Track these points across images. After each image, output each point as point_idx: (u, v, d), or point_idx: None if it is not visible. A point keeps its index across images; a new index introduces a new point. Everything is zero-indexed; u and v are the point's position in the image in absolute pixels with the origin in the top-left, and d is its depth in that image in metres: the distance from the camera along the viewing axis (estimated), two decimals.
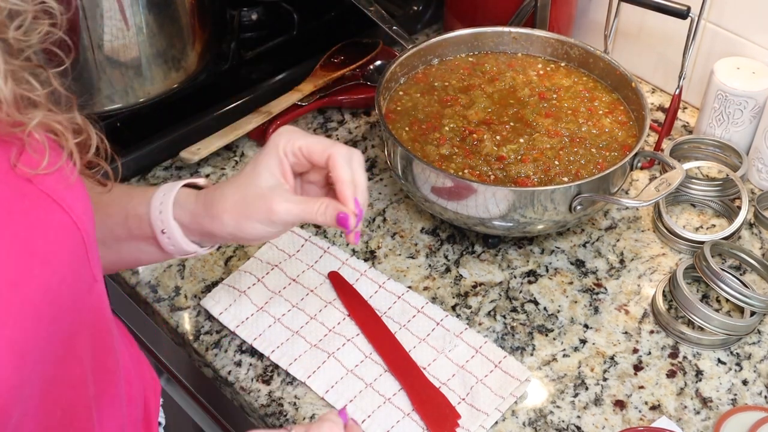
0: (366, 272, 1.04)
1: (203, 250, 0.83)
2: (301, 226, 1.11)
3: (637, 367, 0.97)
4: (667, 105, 1.30)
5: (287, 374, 0.95)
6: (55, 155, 0.64)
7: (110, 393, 0.74)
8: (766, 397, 0.95)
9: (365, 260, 1.07)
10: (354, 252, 1.08)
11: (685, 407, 0.93)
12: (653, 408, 0.93)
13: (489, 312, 1.02)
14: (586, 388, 0.95)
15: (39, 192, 0.63)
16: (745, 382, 0.96)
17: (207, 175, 1.18)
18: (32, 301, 0.59)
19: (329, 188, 0.81)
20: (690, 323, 1.00)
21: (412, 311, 1.00)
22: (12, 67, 0.59)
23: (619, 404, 0.94)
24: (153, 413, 0.89)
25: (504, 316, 1.02)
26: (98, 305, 0.71)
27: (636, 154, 1.04)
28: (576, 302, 1.03)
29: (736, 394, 0.95)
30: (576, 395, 0.94)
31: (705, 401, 0.94)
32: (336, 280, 1.03)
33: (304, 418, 0.91)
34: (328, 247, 1.07)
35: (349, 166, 0.78)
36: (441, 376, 0.94)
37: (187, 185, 0.83)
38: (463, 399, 0.92)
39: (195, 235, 0.81)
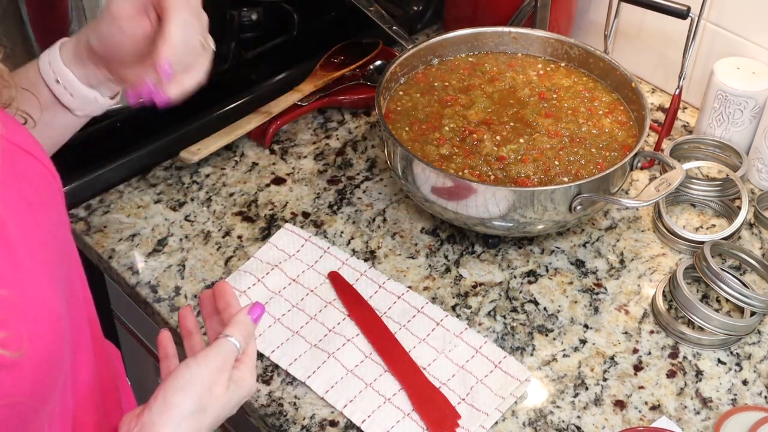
0: (366, 272, 1.04)
1: (105, 100, 0.84)
2: (301, 226, 1.11)
3: (637, 367, 0.97)
4: (667, 105, 1.30)
5: (287, 374, 0.95)
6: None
7: (85, 344, 0.76)
8: (766, 397, 0.95)
9: (365, 260, 1.07)
10: (354, 252, 1.08)
11: (685, 407, 0.93)
12: (653, 408, 0.93)
13: (489, 312, 1.02)
14: (586, 388, 0.95)
15: (13, 146, 0.64)
16: (745, 382, 0.96)
17: (207, 175, 1.18)
18: (46, 245, 0.62)
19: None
20: (690, 323, 1.00)
21: (412, 311, 1.00)
22: None
23: (619, 404, 0.94)
24: (121, 372, 0.91)
25: (504, 316, 1.02)
26: (74, 248, 0.73)
27: (636, 154, 1.04)
28: (576, 302, 1.03)
29: (736, 394, 0.95)
30: (576, 395, 0.94)
31: (705, 401, 0.94)
32: (336, 280, 1.03)
33: (304, 418, 0.91)
34: (328, 248, 1.07)
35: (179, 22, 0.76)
36: (441, 376, 0.94)
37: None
38: (463, 399, 0.92)
39: (89, 72, 0.82)
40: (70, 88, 0.82)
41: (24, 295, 0.56)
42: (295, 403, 0.93)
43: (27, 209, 0.61)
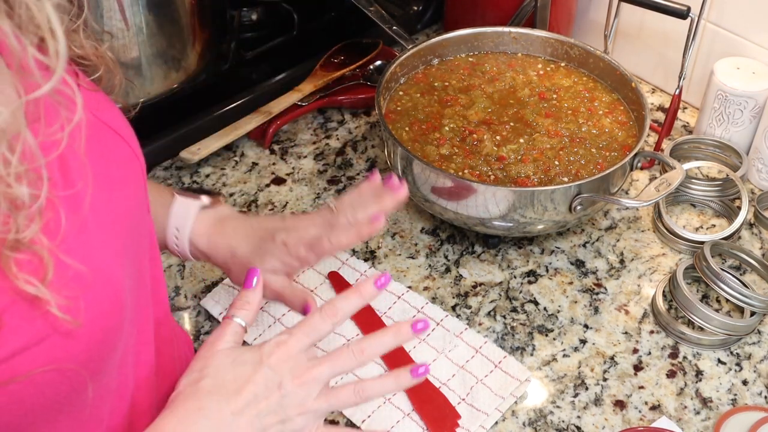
0: (366, 272, 1.04)
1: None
2: None
3: (637, 367, 0.97)
4: (667, 105, 1.30)
5: None
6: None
7: (147, 326, 0.76)
8: (766, 397, 0.95)
9: (365, 260, 1.07)
10: (354, 252, 1.08)
11: (685, 407, 0.93)
12: (653, 408, 0.93)
13: (489, 312, 1.02)
14: (586, 388, 0.95)
15: (102, 124, 0.65)
16: (745, 382, 0.96)
17: (207, 175, 1.18)
18: (118, 222, 0.63)
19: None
20: (690, 323, 1.00)
21: (412, 311, 1.00)
22: None
23: (619, 404, 0.93)
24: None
25: (504, 316, 1.02)
26: (152, 231, 0.73)
27: (636, 154, 1.04)
28: (576, 302, 1.03)
29: (736, 394, 0.95)
30: (576, 395, 0.94)
31: (705, 401, 0.94)
32: (336, 280, 1.03)
33: None
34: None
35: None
36: (441, 376, 0.94)
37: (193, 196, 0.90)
38: (463, 399, 0.92)
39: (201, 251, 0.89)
40: (181, 247, 0.89)
41: (89, 267, 0.57)
42: None
43: (105, 185, 0.62)
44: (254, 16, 1.36)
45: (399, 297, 1.01)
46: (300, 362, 0.69)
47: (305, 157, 1.21)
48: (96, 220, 0.60)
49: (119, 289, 0.60)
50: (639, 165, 1.06)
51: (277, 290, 0.88)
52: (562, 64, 1.21)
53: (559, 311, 1.02)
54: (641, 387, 0.95)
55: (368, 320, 0.99)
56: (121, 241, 0.63)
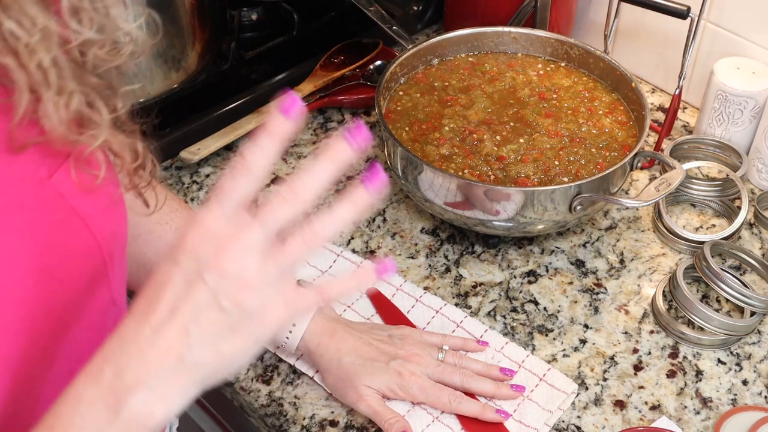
0: (401, 286, 1.03)
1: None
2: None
3: (637, 367, 0.97)
4: (667, 105, 1.30)
5: (287, 374, 0.95)
6: (109, 173, 0.61)
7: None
8: (766, 397, 0.95)
9: (364, 258, 1.07)
10: (354, 252, 1.08)
11: (685, 407, 0.93)
12: (653, 408, 0.93)
13: (489, 312, 1.02)
14: (586, 388, 0.95)
15: (68, 208, 0.59)
16: (745, 382, 0.96)
17: (207, 175, 1.18)
18: (34, 320, 0.57)
19: None
20: (690, 323, 1.00)
21: (451, 326, 0.99)
22: (84, 88, 0.57)
23: (619, 404, 0.93)
24: None
25: (504, 316, 1.02)
26: (101, 330, 0.66)
27: (636, 154, 1.04)
28: (576, 302, 1.03)
29: (736, 394, 0.95)
30: (576, 395, 0.94)
31: (705, 401, 0.94)
32: (375, 296, 1.02)
33: (304, 418, 0.91)
34: (361, 262, 1.06)
35: None
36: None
37: None
38: (511, 415, 0.91)
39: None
40: (290, 342, 0.91)
41: None
42: (295, 403, 0.93)
43: (34, 274, 0.57)
44: (254, 16, 1.37)
45: (437, 311, 1.00)
46: (219, 235, 0.53)
47: (305, 157, 1.21)
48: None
49: None
50: (639, 165, 1.06)
51: (375, 408, 0.88)
52: (562, 64, 1.21)
53: (559, 311, 1.02)
54: (641, 387, 0.95)
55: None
56: (30, 345, 0.57)
